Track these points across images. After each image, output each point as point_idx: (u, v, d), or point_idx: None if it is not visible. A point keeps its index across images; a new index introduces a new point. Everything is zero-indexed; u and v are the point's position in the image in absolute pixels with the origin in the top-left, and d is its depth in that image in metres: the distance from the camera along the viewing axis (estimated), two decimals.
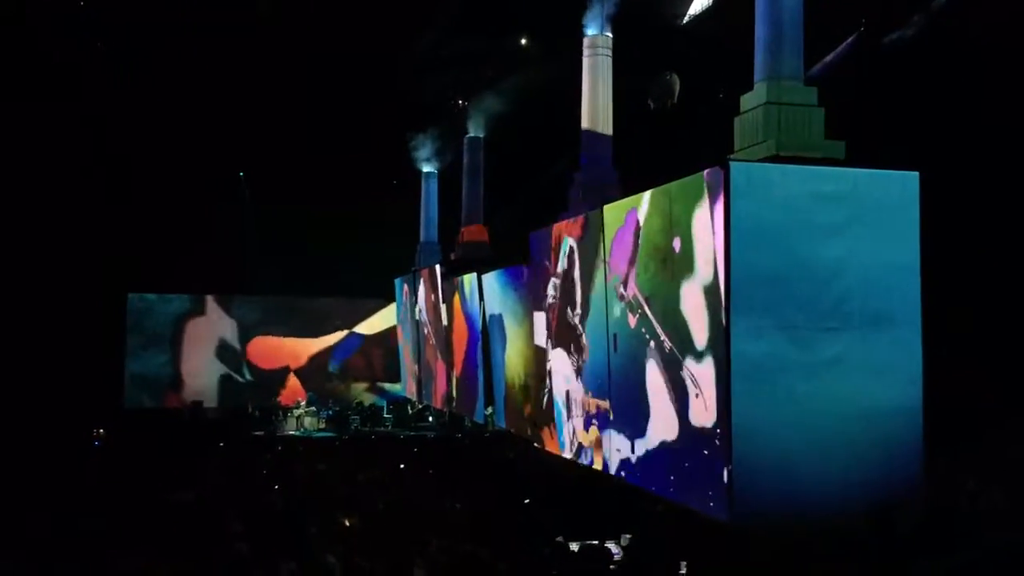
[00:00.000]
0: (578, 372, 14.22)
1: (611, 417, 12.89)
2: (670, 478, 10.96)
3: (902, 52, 14.57)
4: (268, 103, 23.41)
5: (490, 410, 19.92)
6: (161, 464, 16.25)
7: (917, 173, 9.77)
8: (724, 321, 9.41)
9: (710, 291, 9.76)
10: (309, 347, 29.30)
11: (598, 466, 13.45)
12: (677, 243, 10.62)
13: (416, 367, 26.02)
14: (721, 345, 9.49)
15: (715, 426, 9.71)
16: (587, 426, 13.83)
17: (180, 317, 28.32)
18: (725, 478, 9.40)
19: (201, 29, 20.68)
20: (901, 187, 9.74)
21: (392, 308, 29.11)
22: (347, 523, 10.93)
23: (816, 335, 9.49)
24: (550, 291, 15.44)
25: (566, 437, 14.97)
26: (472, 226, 23.98)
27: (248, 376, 28.76)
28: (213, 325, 28.64)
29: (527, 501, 12.68)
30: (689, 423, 10.38)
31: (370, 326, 29.77)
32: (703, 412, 10.01)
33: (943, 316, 10.05)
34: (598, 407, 13.33)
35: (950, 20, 13.94)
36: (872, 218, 9.63)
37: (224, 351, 28.65)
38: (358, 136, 24.55)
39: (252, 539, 9.33)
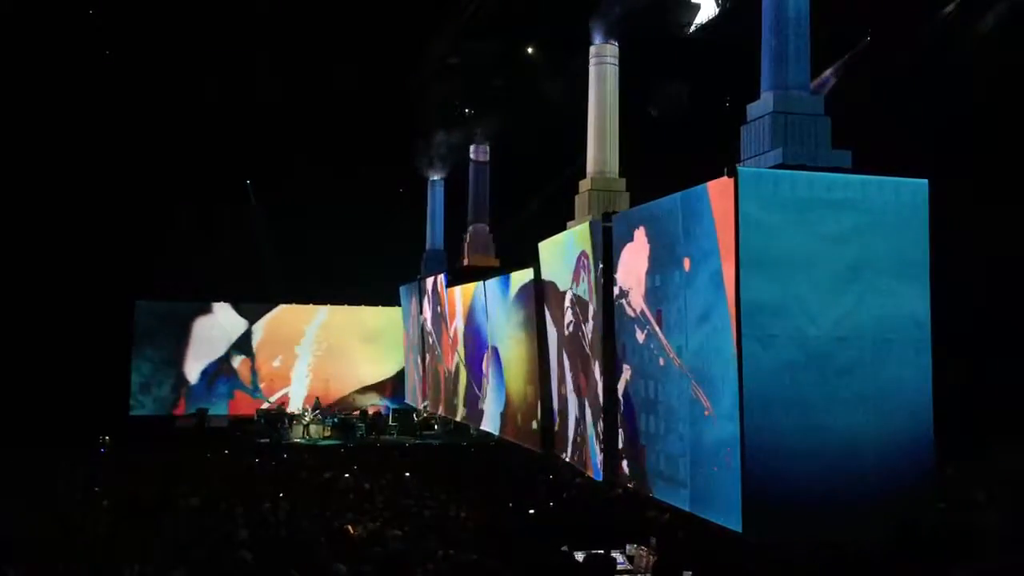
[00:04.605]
0: (585, 383, 14.18)
1: (620, 429, 12.84)
2: (682, 490, 10.90)
3: (909, 61, 14.56)
4: (276, 110, 23.48)
5: (492, 418, 19.88)
6: (167, 471, 16.24)
7: (926, 181, 9.73)
8: (734, 332, 9.36)
9: (719, 302, 9.73)
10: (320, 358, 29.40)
11: (605, 476, 13.40)
12: (684, 256, 10.59)
13: (421, 375, 26.01)
14: (732, 355, 9.43)
15: (726, 437, 9.65)
16: (594, 437, 13.79)
17: (186, 325, 28.31)
18: (737, 489, 9.33)
19: (208, 34, 20.73)
20: (911, 195, 9.71)
21: (396, 315, 29.13)
22: (352, 531, 10.91)
23: (827, 344, 9.44)
24: (556, 300, 15.42)
25: (571, 447, 14.93)
26: (478, 237, 24.05)
27: (254, 384, 28.78)
28: (218, 333, 28.65)
29: (531, 511, 12.63)
30: (700, 436, 10.33)
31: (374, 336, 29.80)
32: (714, 424, 9.96)
33: (953, 325, 10.01)
34: (606, 420, 13.28)
35: (955, 29, 13.94)
36: (881, 226, 9.59)
37: (230, 358, 28.66)
38: (365, 144, 24.58)
39: (256, 547, 9.31)
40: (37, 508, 12.55)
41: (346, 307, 29.33)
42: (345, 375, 29.42)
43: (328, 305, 29.24)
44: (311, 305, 29.21)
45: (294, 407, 27.65)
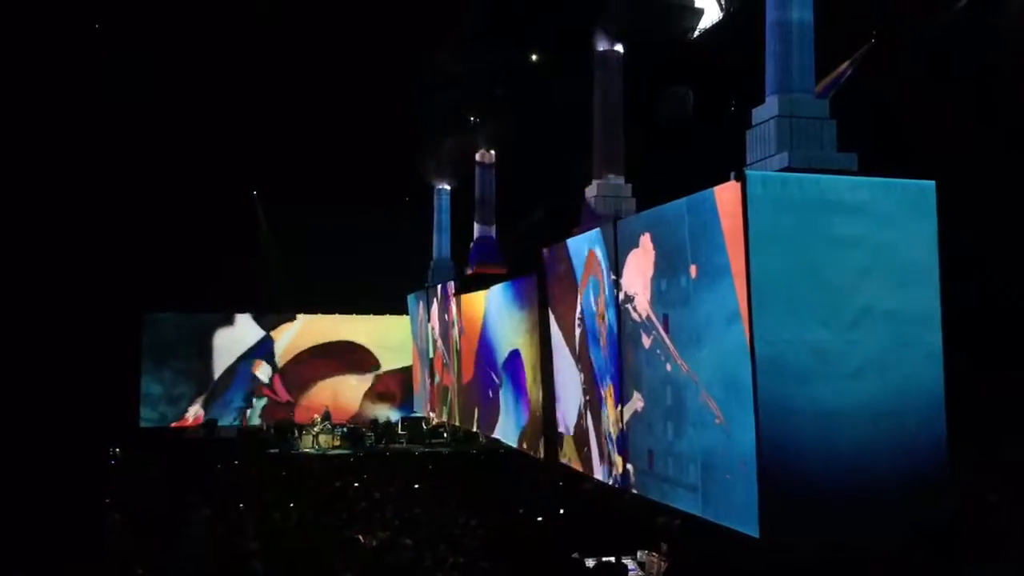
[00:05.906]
0: (591, 388, 14.16)
1: (628, 434, 12.81)
2: (693, 495, 10.85)
3: (914, 62, 14.52)
4: (281, 120, 23.52)
5: (504, 426, 19.86)
6: (176, 481, 16.25)
7: (933, 182, 9.70)
8: (746, 337, 9.30)
9: (727, 308, 9.68)
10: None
11: (614, 481, 13.36)
12: (692, 261, 10.55)
13: (430, 384, 25.99)
14: (742, 360, 9.37)
15: (739, 443, 9.60)
16: (602, 442, 13.76)
17: (194, 336, 28.31)
18: (754, 495, 9.25)
19: (214, 47, 20.81)
20: (918, 196, 9.68)
21: (404, 324, 29.14)
22: (362, 540, 10.89)
23: (838, 348, 9.39)
24: (563, 304, 15.40)
25: (579, 453, 14.88)
26: (485, 244, 24.05)
27: (262, 395, 28.83)
28: (226, 343, 28.69)
29: (540, 518, 12.61)
30: (711, 441, 10.28)
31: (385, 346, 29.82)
32: (726, 430, 9.91)
33: (964, 326, 9.96)
34: (614, 424, 13.25)
35: (963, 32, 13.90)
36: (890, 228, 9.56)
37: (238, 369, 28.70)
38: (370, 153, 24.61)
39: (267, 557, 9.30)
40: (47, 518, 12.56)
41: (354, 316, 29.35)
42: (352, 384, 29.43)
43: (336, 314, 29.27)
44: (321, 315, 29.23)
45: (307, 417, 27.66)
